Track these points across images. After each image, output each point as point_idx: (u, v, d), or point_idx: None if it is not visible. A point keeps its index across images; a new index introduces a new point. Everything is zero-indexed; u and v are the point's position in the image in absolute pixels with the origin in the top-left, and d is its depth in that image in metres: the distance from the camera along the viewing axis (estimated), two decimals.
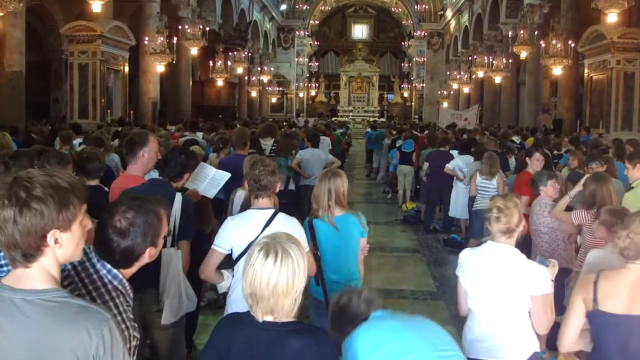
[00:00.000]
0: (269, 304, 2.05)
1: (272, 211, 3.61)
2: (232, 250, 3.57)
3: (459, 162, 9.67)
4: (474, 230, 8.40)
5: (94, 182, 4.56)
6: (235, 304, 3.49)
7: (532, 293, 3.11)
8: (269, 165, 3.69)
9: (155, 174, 4.53)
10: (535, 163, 6.68)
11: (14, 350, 1.66)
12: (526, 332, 3.20)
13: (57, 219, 1.68)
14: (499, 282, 3.15)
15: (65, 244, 1.73)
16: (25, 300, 1.68)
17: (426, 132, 15.17)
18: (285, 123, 22.42)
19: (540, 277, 3.11)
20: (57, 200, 1.67)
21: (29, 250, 1.68)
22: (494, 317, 3.21)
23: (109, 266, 2.13)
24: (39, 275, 1.71)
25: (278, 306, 2.05)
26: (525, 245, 5.43)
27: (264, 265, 2.04)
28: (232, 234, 3.55)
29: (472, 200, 8.57)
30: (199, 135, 11.98)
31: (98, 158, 4.56)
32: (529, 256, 4.63)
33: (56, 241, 1.71)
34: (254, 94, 32.97)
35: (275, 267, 2.03)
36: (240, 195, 5.11)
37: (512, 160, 9.61)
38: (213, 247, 3.59)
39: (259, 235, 3.41)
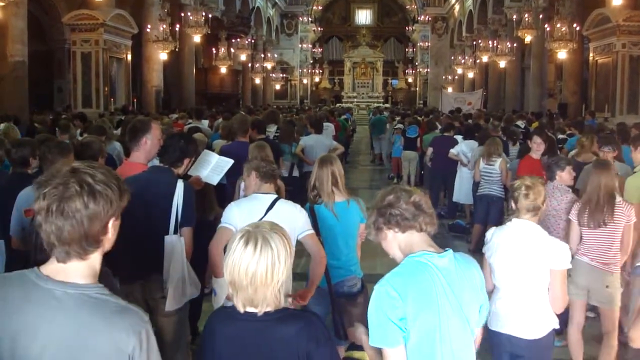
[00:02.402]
0: (247, 293, 1.99)
1: (274, 196, 3.70)
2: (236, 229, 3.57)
3: (463, 147, 9.63)
4: (478, 215, 8.40)
5: None
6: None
7: (553, 267, 3.24)
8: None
9: (157, 162, 4.53)
10: (534, 147, 6.65)
11: (49, 343, 1.64)
12: (547, 309, 3.33)
13: (119, 206, 1.72)
14: (523, 257, 3.28)
15: (113, 234, 1.76)
16: (66, 293, 1.66)
17: (431, 116, 15.14)
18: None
19: (561, 252, 3.26)
20: (117, 186, 1.71)
21: (92, 240, 1.67)
22: (517, 292, 3.32)
23: None
24: (83, 269, 1.70)
25: (258, 297, 1.99)
26: None
27: (243, 253, 1.98)
28: (236, 213, 3.61)
29: (476, 185, 8.55)
30: (204, 122, 11.98)
31: (92, 147, 4.54)
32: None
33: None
34: (257, 81, 32.87)
35: (255, 256, 1.97)
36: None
37: (516, 147, 9.56)
38: (221, 225, 3.62)
39: (262, 218, 3.47)
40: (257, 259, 1.97)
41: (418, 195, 2.25)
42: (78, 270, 1.69)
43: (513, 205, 3.43)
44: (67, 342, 1.63)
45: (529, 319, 3.31)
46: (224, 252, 2.80)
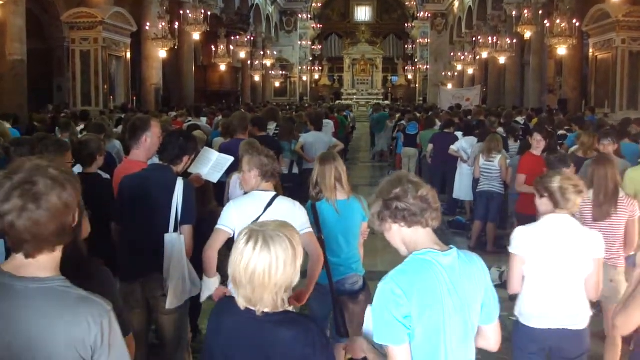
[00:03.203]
0: (246, 291, 1.96)
1: (273, 193, 3.68)
2: (234, 231, 3.58)
3: (463, 144, 9.63)
4: (479, 211, 8.39)
5: (92, 170, 4.54)
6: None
7: (595, 256, 3.34)
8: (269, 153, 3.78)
9: (157, 160, 4.52)
10: (534, 143, 6.64)
11: (15, 339, 1.67)
12: (585, 298, 3.41)
13: (79, 198, 1.78)
14: (570, 250, 3.32)
15: (85, 224, 1.85)
16: (28, 287, 1.69)
17: (430, 113, 15.14)
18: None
19: (600, 241, 3.39)
20: (75, 180, 1.77)
21: (66, 231, 1.72)
22: (563, 285, 3.35)
23: None
24: (47, 262, 1.73)
25: (255, 296, 1.96)
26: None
27: (244, 250, 1.96)
28: (234, 214, 3.59)
29: (476, 182, 8.54)
30: (203, 120, 11.98)
31: (91, 145, 4.53)
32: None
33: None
34: (257, 78, 32.85)
35: (254, 254, 1.94)
36: (236, 179, 5.08)
37: (516, 144, 9.55)
38: (218, 226, 3.61)
39: (260, 215, 3.49)
40: (256, 259, 1.94)
41: (425, 189, 2.22)
42: (42, 264, 1.72)
43: (548, 202, 3.41)
44: (31, 334, 1.66)
45: (577, 310, 3.38)
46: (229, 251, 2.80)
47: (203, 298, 3.86)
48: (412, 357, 2.10)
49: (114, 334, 1.73)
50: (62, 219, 1.70)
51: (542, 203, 3.47)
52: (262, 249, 1.94)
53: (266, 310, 1.99)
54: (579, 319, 3.39)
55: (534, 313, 3.40)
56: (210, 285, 3.73)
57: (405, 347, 2.08)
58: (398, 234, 2.23)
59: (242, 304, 2.01)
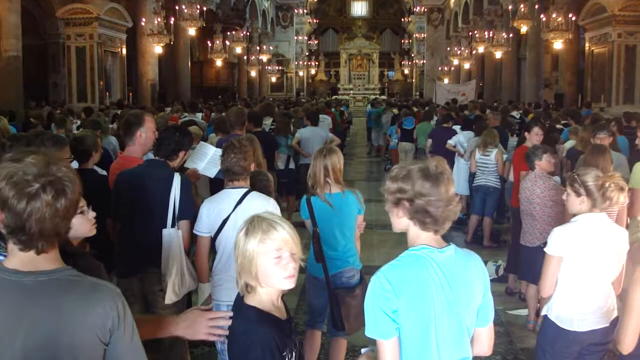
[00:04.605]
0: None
1: (245, 189, 3.68)
2: (210, 233, 3.70)
3: (461, 138, 9.64)
4: (475, 206, 8.41)
5: (88, 166, 4.53)
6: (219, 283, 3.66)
7: (625, 253, 3.34)
8: (240, 150, 3.69)
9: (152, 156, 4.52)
10: (534, 137, 6.64)
11: (30, 334, 1.66)
12: (614, 294, 3.40)
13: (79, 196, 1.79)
14: (606, 250, 3.28)
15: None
16: (37, 281, 1.68)
17: (427, 108, 15.14)
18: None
19: (626, 237, 3.38)
20: (74, 174, 1.76)
21: (64, 228, 1.73)
22: (604, 285, 3.32)
23: None
24: (51, 255, 1.73)
25: None
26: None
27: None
28: (204, 216, 3.68)
29: (473, 176, 8.55)
30: (199, 116, 11.96)
31: (86, 141, 4.51)
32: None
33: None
34: (253, 73, 32.77)
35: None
36: None
37: (514, 138, 9.56)
38: (195, 232, 3.73)
39: (231, 213, 3.57)
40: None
41: (456, 201, 2.13)
42: (48, 257, 1.73)
43: (586, 200, 3.32)
44: (46, 328, 1.66)
45: (611, 307, 3.34)
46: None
47: (198, 303, 3.89)
48: (404, 352, 2.10)
49: (127, 315, 1.77)
50: (69, 215, 1.73)
51: (579, 202, 3.36)
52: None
53: None
54: (613, 315, 3.34)
55: (575, 316, 3.30)
56: (204, 290, 3.83)
57: (394, 341, 2.07)
58: (405, 224, 2.18)
59: None
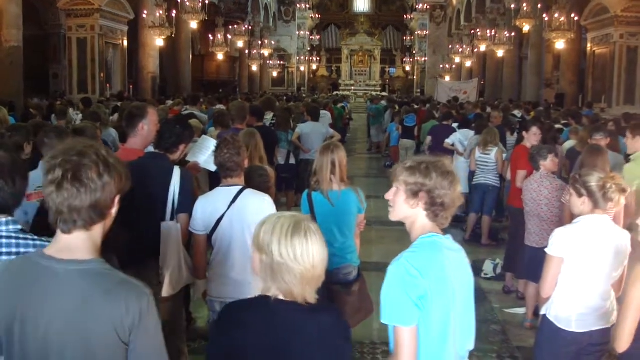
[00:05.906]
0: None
1: (239, 187, 3.66)
2: (205, 231, 3.69)
3: (460, 136, 9.64)
4: (474, 204, 8.42)
5: None
6: (216, 277, 3.68)
7: (627, 256, 3.32)
8: (234, 146, 3.67)
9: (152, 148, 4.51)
10: (532, 137, 6.62)
11: (53, 319, 1.72)
12: (614, 296, 3.39)
13: (126, 184, 1.84)
14: (608, 252, 3.26)
15: (115, 210, 1.85)
16: (67, 270, 1.74)
17: (428, 105, 15.13)
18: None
19: (629, 239, 3.35)
20: (124, 166, 1.84)
21: (100, 210, 1.76)
22: (601, 287, 3.31)
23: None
24: (85, 243, 1.77)
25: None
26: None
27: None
28: (199, 215, 3.67)
29: (472, 174, 8.56)
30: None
31: (86, 133, 4.52)
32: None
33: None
34: (254, 68, 32.72)
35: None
36: None
37: (514, 137, 9.56)
38: (190, 229, 3.72)
39: (225, 211, 3.55)
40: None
41: (460, 198, 2.28)
42: (80, 245, 1.77)
43: (587, 201, 3.30)
44: (69, 317, 1.71)
45: (611, 308, 3.33)
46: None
47: (194, 299, 3.94)
48: (427, 337, 2.12)
49: (151, 317, 1.77)
50: (98, 197, 1.74)
51: (581, 203, 3.34)
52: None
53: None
54: (613, 316, 3.33)
55: (573, 317, 3.31)
56: (200, 286, 3.85)
57: (414, 329, 2.09)
58: (414, 214, 2.24)
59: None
